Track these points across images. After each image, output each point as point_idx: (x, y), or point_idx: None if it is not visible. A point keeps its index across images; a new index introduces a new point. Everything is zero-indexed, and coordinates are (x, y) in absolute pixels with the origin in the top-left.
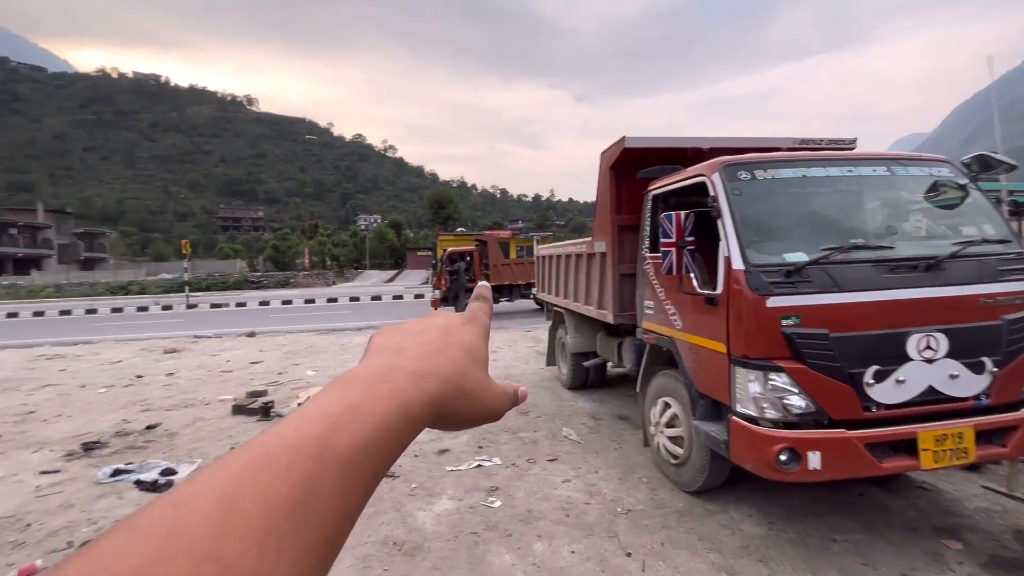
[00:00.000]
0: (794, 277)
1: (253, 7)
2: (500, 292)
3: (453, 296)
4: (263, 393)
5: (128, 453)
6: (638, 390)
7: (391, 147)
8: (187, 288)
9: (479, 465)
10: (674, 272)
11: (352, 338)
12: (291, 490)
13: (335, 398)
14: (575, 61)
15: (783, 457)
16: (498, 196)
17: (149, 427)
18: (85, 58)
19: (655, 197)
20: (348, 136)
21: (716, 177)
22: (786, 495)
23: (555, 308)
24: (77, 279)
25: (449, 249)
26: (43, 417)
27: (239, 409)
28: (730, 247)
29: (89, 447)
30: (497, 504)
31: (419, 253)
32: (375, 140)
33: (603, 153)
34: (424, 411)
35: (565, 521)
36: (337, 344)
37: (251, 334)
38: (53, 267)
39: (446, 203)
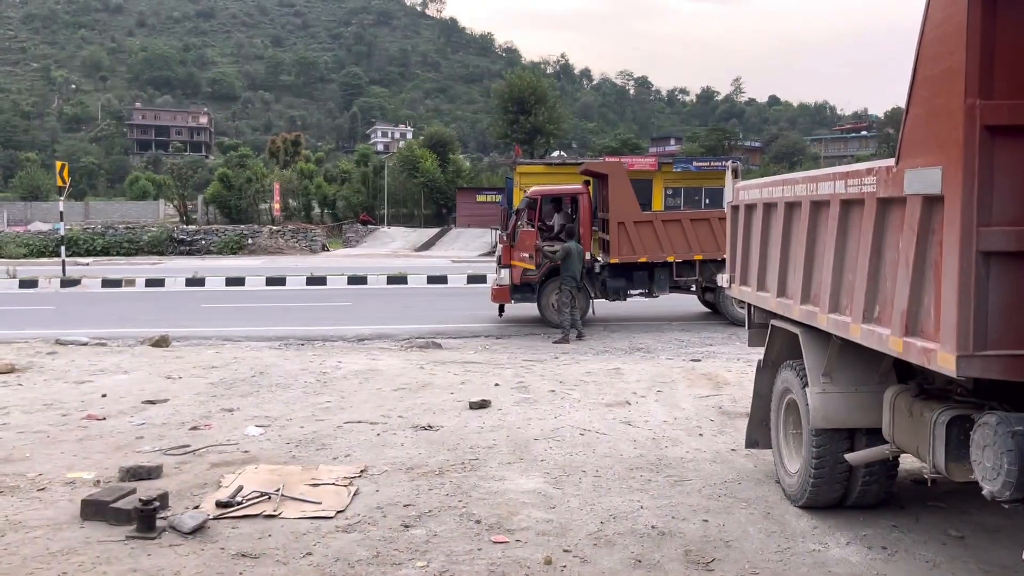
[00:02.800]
0: None
1: None
2: (630, 278)
3: (541, 281)
4: (153, 471)
5: None
6: None
7: None
8: (63, 249)
9: None
10: None
11: (343, 358)
12: None
13: None
14: None
15: None
16: (632, 92)
17: None
18: None
19: None
20: None
21: None
22: None
23: (774, 323)
24: None
25: (532, 190)
26: None
27: (95, 509)
28: None
29: None
30: None
31: (480, 197)
32: None
33: None
34: None
35: None
36: (312, 369)
37: (161, 341)
38: None
39: (533, 103)
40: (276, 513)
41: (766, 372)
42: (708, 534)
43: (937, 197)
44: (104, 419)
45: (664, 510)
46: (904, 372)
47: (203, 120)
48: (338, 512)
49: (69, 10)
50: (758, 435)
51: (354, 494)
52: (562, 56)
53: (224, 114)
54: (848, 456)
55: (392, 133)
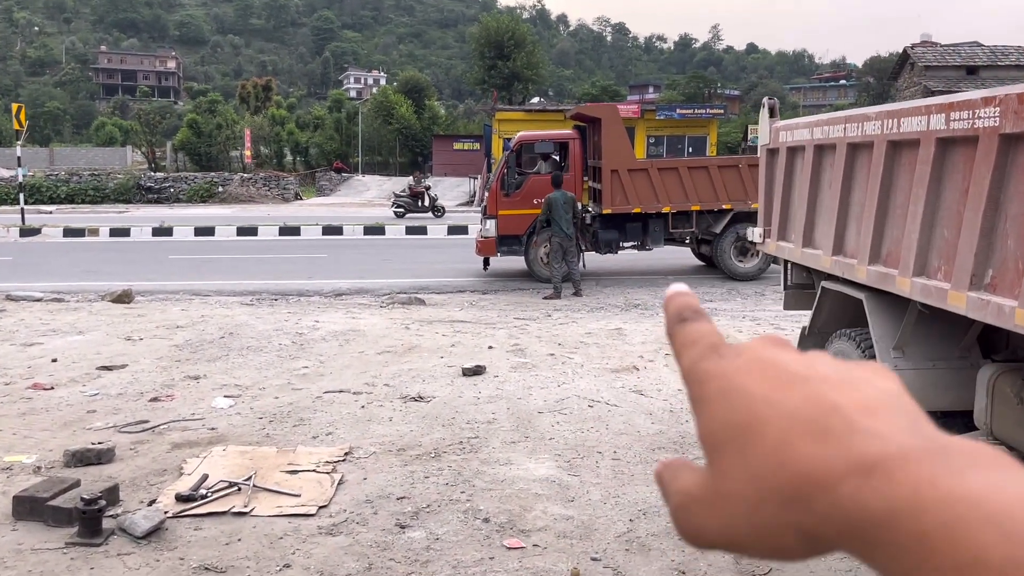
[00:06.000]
0: None
1: None
2: (623, 230)
3: (529, 233)
4: (104, 455)
5: None
6: None
7: None
8: (23, 197)
9: None
10: None
11: (320, 317)
12: None
13: None
14: None
15: None
16: (609, 39)
17: None
18: None
19: None
20: None
21: None
22: None
23: (826, 285)
24: None
25: (519, 135)
26: None
27: (30, 507)
28: None
29: None
30: None
31: (457, 145)
32: None
33: None
34: None
35: None
36: (287, 329)
37: (123, 296)
38: None
39: (511, 48)
40: (247, 509)
41: (812, 341)
42: None
43: None
44: (52, 388)
45: None
46: (987, 346)
47: (171, 64)
48: (320, 508)
49: None
50: None
51: (338, 483)
52: (538, 1)
53: (192, 58)
54: None
55: (365, 79)
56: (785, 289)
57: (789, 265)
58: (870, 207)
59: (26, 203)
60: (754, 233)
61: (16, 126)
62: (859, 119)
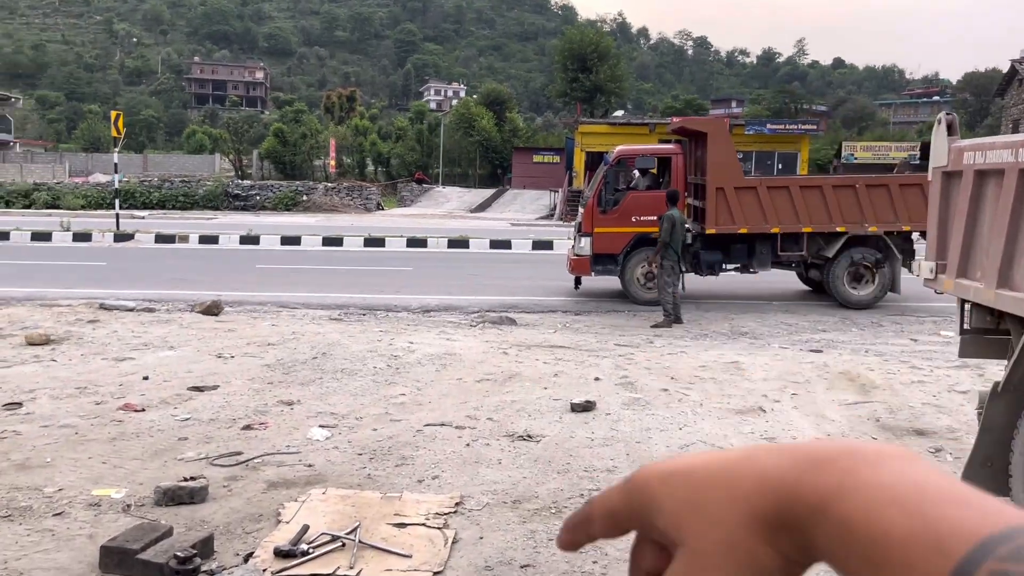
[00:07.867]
0: None
1: None
2: (727, 251)
3: (626, 252)
4: (196, 494)
5: None
6: None
7: None
8: (118, 202)
9: None
10: None
11: (414, 337)
12: None
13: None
14: None
15: None
16: (690, 52)
17: None
18: None
19: None
20: None
21: None
22: None
23: None
24: None
25: (619, 150)
26: None
27: (119, 560)
28: None
29: None
30: None
31: (537, 157)
32: None
33: None
34: None
35: None
36: (381, 351)
37: (212, 307)
38: None
39: (595, 61)
40: (354, 572)
41: (1006, 400)
42: None
43: None
44: (143, 411)
45: None
46: None
47: (259, 75)
48: (435, 574)
49: None
50: (981, 480)
51: (452, 542)
52: (619, 14)
53: (279, 69)
54: None
55: (445, 91)
56: (962, 334)
57: (967, 306)
58: None
59: (120, 208)
60: (922, 267)
61: (114, 133)
62: None
